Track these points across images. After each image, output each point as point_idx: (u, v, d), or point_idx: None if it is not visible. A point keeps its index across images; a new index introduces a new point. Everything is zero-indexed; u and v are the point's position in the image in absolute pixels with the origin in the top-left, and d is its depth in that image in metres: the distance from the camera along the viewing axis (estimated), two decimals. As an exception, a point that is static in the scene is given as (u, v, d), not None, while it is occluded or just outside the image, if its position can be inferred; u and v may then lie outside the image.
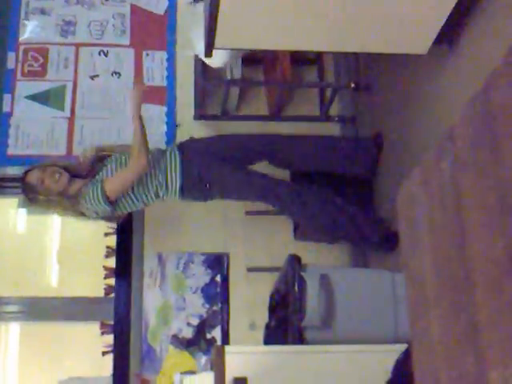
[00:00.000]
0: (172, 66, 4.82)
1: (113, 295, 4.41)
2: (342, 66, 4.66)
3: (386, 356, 2.27)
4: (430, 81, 3.48)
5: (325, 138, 4.26)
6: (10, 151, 4.54)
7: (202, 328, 4.31)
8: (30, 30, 4.85)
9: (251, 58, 4.58)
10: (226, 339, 4.30)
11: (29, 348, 5.74)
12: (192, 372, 3.73)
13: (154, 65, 4.82)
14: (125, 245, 4.46)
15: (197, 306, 4.35)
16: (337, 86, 4.58)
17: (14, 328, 5.58)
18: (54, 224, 5.87)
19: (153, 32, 4.92)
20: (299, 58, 4.73)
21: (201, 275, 4.41)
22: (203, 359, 4.22)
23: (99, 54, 4.84)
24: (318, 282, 3.13)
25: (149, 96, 4.67)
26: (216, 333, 4.30)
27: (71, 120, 4.64)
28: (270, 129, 4.48)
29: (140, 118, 3.70)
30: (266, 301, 3.39)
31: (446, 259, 1.06)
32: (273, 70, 4.55)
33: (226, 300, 4.38)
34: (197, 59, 4.36)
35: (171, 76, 4.80)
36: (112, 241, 4.50)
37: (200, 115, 4.66)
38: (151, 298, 4.37)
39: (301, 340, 3.07)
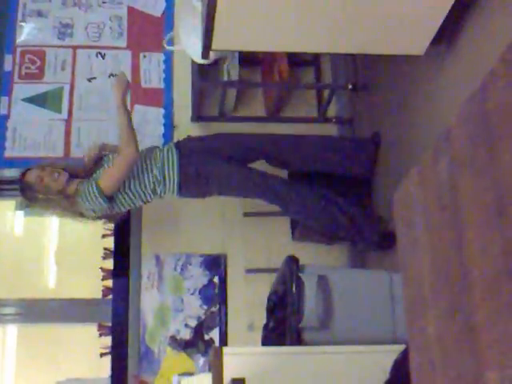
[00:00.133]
0: (169, 67, 4.82)
1: (110, 297, 4.40)
2: (339, 67, 4.67)
3: (384, 357, 2.27)
4: (428, 81, 3.48)
5: (323, 139, 4.26)
6: (8, 153, 4.54)
7: (199, 329, 4.31)
8: (27, 32, 4.85)
9: (249, 59, 4.58)
10: (223, 340, 4.30)
11: (27, 350, 5.73)
12: (190, 373, 3.74)
13: (151, 67, 4.82)
14: (122, 246, 4.46)
15: (195, 308, 4.35)
16: (334, 87, 4.58)
17: (12, 330, 5.57)
18: (52, 226, 5.87)
19: (150, 34, 4.92)
20: (297, 59, 4.74)
21: (199, 276, 4.41)
22: (201, 360, 4.21)
23: (96, 56, 4.84)
24: (315, 282, 3.13)
25: (146, 98, 4.69)
26: (214, 334, 4.30)
27: (68, 122, 4.64)
28: (268, 130, 4.48)
29: (125, 106, 3.68)
30: (264, 302, 3.39)
31: (443, 259, 1.06)
32: (270, 72, 4.56)
33: (223, 301, 4.38)
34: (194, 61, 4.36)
35: (168, 78, 4.80)
36: (109, 242, 4.50)
37: (197, 117, 4.66)
38: (149, 300, 4.37)
39: (299, 341, 3.07)
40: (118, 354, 4.30)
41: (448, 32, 3.11)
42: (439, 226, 1.08)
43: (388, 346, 2.79)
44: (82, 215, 3.75)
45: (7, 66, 4.74)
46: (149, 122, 4.59)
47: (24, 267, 5.85)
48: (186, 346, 4.28)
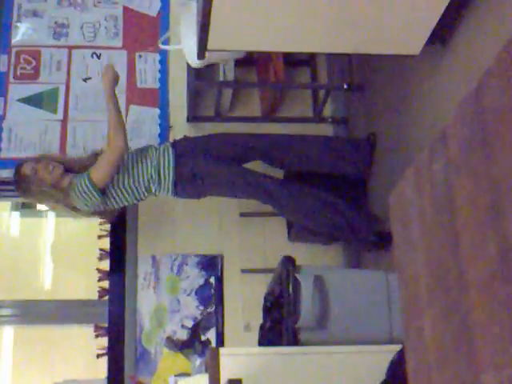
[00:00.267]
0: (165, 67, 4.82)
1: (107, 298, 4.40)
2: (334, 67, 4.67)
3: (381, 357, 2.27)
4: (423, 81, 3.48)
5: (319, 139, 4.26)
6: (3, 154, 4.53)
7: (196, 330, 4.31)
8: (22, 32, 4.84)
9: (244, 60, 4.58)
10: (220, 341, 4.30)
11: (23, 351, 5.73)
12: (186, 374, 3.73)
13: (147, 66, 4.82)
14: (118, 247, 4.46)
15: (191, 308, 4.35)
16: (330, 87, 4.58)
17: (8, 331, 5.57)
18: (48, 227, 5.87)
19: (145, 34, 4.91)
20: (292, 59, 4.74)
21: (195, 277, 4.41)
22: (198, 361, 4.21)
23: (92, 56, 4.83)
24: (312, 283, 3.13)
25: (141, 98, 4.69)
26: (210, 334, 4.30)
27: (64, 123, 4.64)
28: (263, 130, 4.48)
29: (114, 98, 3.69)
30: (261, 302, 3.39)
31: (438, 260, 1.06)
32: (266, 71, 4.56)
33: (220, 302, 4.38)
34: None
35: (164, 78, 4.80)
36: (105, 243, 4.49)
37: (193, 117, 4.66)
38: (145, 301, 4.36)
39: (295, 341, 3.07)
40: (115, 355, 4.30)
41: (443, 32, 3.11)
42: (435, 227, 1.08)
43: (384, 346, 2.79)
44: (75, 209, 3.75)
45: (2, 67, 4.73)
46: (144, 123, 4.58)
47: (20, 268, 5.85)
48: (182, 346, 4.28)
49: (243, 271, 4.43)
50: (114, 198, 3.76)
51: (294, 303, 3.07)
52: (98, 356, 4.31)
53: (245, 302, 4.34)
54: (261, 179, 3.89)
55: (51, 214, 5.81)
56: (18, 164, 3.82)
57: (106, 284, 4.42)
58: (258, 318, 3.42)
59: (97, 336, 4.38)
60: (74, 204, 3.71)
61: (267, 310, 3.32)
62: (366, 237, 3.89)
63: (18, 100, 4.66)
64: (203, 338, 4.30)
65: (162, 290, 4.38)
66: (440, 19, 3.00)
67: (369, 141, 4.13)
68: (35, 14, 4.89)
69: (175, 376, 3.52)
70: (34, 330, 5.46)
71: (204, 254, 4.45)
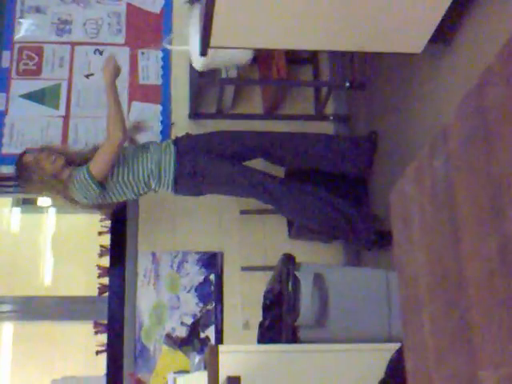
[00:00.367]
0: (167, 64, 4.82)
1: (107, 294, 4.40)
2: (337, 65, 4.66)
3: (380, 355, 2.27)
4: (425, 79, 3.48)
5: (321, 136, 4.25)
6: (5, 150, 4.53)
7: (195, 327, 4.31)
8: (25, 28, 4.84)
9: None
10: (219, 338, 4.29)
11: (22, 348, 5.73)
12: (185, 371, 3.73)
13: (150, 63, 4.82)
14: (119, 244, 4.46)
15: (191, 305, 4.35)
16: (332, 85, 4.58)
17: (8, 327, 5.57)
18: (48, 223, 5.87)
19: (148, 30, 4.92)
20: (294, 57, 4.74)
21: (195, 274, 4.41)
22: (197, 358, 4.20)
23: (94, 52, 4.83)
24: (311, 280, 3.12)
25: (144, 94, 4.69)
26: (210, 332, 4.30)
27: (66, 119, 4.64)
28: (265, 127, 4.47)
29: (115, 90, 3.69)
30: (260, 300, 3.39)
31: (438, 257, 1.06)
32: (268, 69, 4.55)
33: (219, 299, 4.38)
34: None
35: (166, 74, 4.80)
36: (106, 240, 4.49)
37: (195, 114, 4.66)
38: (145, 297, 4.36)
39: (294, 339, 3.07)
40: (114, 352, 4.29)
41: (446, 30, 3.11)
42: (435, 224, 1.08)
43: (383, 344, 2.79)
44: (74, 201, 3.76)
45: (5, 63, 4.73)
46: (146, 119, 4.58)
47: (20, 264, 5.85)
48: (181, 343, 4.28)
49: (243, 269, 4.43)
50: (113, 192, 3.76)
51: (294, 301, 3.07)
52: (98, 353, 4.31)
53: (244, 300, 4.34)
54: (261, 178, 3.89)
55: (52, 211, 5.82)
56: (21, 153, 3.84)
57: (105, 280, 4.42)
58: (257, 316, 3.42)
59: (96, 333, 4.38)
60: (73, 196, 3.72)
61: (267, 308, 3.32)
62: (366, 236, 3.88)
63: (21, 96, 4.66)
64: (202, 335, 4.30)
65: (162, 287, 4.38)
66: (442, 18, 3.00)
67: (370, 139, 4.13)
68: (38, 10, 4.89)
69: (174, 373, 3.52)
70: (33, 327, 5.46)
71: (204, 252, 4.45)
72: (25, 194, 5.20)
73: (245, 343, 3.87)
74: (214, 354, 2.64)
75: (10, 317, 4.84)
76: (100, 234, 4.51)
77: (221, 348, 2.68)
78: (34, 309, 4.65)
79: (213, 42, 3.13)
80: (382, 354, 2.23)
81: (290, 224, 4.39)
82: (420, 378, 1.14)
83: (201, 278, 4.40)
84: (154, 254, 4.43)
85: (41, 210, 5.77)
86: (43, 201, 5.46)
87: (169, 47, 4.28)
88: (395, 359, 2.12)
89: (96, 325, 4.39)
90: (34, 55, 4.77)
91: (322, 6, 2.98)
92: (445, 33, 3.12)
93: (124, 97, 4.58)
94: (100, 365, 4.35)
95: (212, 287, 4.39)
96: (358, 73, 4.07)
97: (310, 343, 3.03)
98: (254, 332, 3.41)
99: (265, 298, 3.36)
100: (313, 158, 4.09)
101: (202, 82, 4.50)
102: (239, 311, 4.34)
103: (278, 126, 4.57)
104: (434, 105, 3.37)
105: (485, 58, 2.75)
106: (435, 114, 3.33)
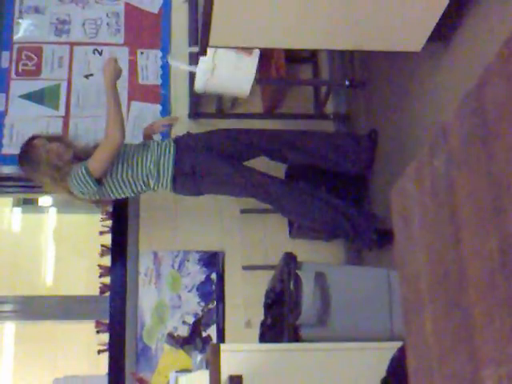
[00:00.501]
0: (166, 64, 4.81)
1: (108, 294, 4.40)
2: (336, 64, 4.66)
3: (382, 354, 2.27)
4: (425, 78, 3.48)
5: (321, 134, 4.25)
6: (5, 150, 4.54)
7: (197, 326, 4.31)
8: (24, 28, 4.84)
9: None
10: (221, 337, 4.30)
11: (24, 347, 5.74)
12: (187, 370, 3.73)
13: (149, 63, 4.82)
14: (120, 243, 4.46)
15: (192, 305, 4.35)
16: (331, 84, 4.58)
17: (9, 327, 5.58)
18: (49, 223, 5.87)
19: (147, 30, 4.92)
20: (294, 56, 4.74)
21: (196, 273, 4.41)
22: (198, 357, 4.20)
23: (93, 52, 4.83)
24: (313, 279, 3.13)
25: (143, 94, 4.69)
26: (211, 331, 4.30)
27: (66, 119, 4.64)
28: (265, 127, 4.47)
29: (115, 91, 3.70)
30: (262, 299, 3.39)
31: (439, 256, 1.06)
32: (268, 68, 4.55)
33: (221, 298, 4.38)
34: (192, 57, 4.35)
35: (166, 74, 4.80)
36: (107, 239, 4.49)
37: (195, 113, 4.66)
38: (146, 297, 4.36)
39: (296, 338, 3.07)
40: (116, 351, 4.30)
41: (445, 29, 3.11)
42: (435, 223, 1.08)
43: (385, 343, 2.79)
44: (71, 194, 3.76)
45: (4, 63, 4.73)
46: (146, 119, 4.58)
47: (21, 264, 5.85)
48: (183, 343, 4.28)
49: (244, 268, 4.43)
50: (111, 189, 3.77)
51: (295, 300, 3.08)
52: (99, 352, 4.32)
53: (246, 299, 4.34)
54: (261, 179, 3.88)
55: (52, 210, 5.82)
56: (33, 136, 3.85)
57: (107, 280, 4.42)
58: (258, 315, 3.42)
59: (98, 332, 4.38)
60: (70, 190, 3.73)
61: (268, 307, 3.32)
62: (366, 235, 3.88)
63: (20, 96, 4.66)
64: (204, 334, 4.30)
65: (163, 287, 4.38)
66: (442, 16, 3.00)
67: (370, 138, 4.13)
68: (37, 10, 4.89)
69: (176, 372, 3.52)
70: (35, 326, 5.46)
71: (205, 251, 4.45)
72: (26, 194, 5.21)
73: (246, 342, 3.87)
74: (216, 352, 2.64)
75: (12, 316, 4.85)
76: (101, 233, 4.51)
77: (222, 347, 2.68)
78: (35, 308, 4.65)
79: (212, 41, 3.13)
80: (384, 352, 2.23)
81: (290, 223, 4.39)
82: (422, 376, 1.14)
83: (202, 277, 4.40)
84: (155, 254, 4.43)
85: (42, 209, 5.77)
86: (44, 201, 5.47)
87: (171, 63, 4.25)
88: (397, 358, 2.12)
89: (98, 324, 4.39)
90: (33, 55, 4.77)
91: (321, 4, 2.98)
92: (444, 31, 3.12)
93: (123, 97, 4.58)
94: (102, 364, 4.35)
95: (213, 286, 4.39)
96: (358, 71, 4.07)
97: (311, 342, 3.03)
98: (256, 331, 3.42)
99: (266, 296, 3.36)
100: (313, 154, 4.08)
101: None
102: (241, 310, 4.34)
103: (277, 125, 4.57)
104: (434, 103, 3.37)
105: (484, 56, 2.76)
106: (435, 113, 3.33)
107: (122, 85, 4.52)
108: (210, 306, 4.35)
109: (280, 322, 3.16)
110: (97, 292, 4.46)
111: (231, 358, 2.64)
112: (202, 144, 3.94)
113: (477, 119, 0.94)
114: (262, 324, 3.36)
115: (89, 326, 4.51)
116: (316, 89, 4.79)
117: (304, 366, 2.73)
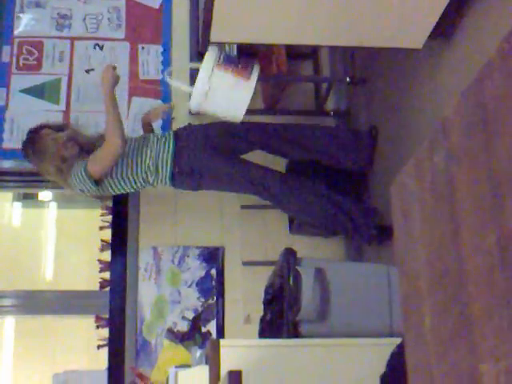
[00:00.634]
0: (167, 59, 4.81)
1: (108, 289, 4.40)
2: (337, 61, 4.66)
3: (381, 349, 2.27)
4: (425, 75, 3.48)
5: (321, 128, 4.24)
6: (5, 145, 4.54)
7: (197, 322, 4.32)
8: (24, 23, 4.84)
9: (246, 52, 4.57)
10: (221, 333, 4.30)
11: (24, 342, 5.74)
12: (187, 365, 3.73)
13: (150, 58, 4.81)
14: (120, 238, 4.46)
15: (192, 300, 4.35)
16: (332, 80, 4.57)
17: (9, 322, 5.58)
18: (49, 218, 5.87)
19: (148, 25, 4.91)
20: (295, 52, 4.73)
21: (196, 269, 4.41)
22: (198, 353, 4.20)
23: (94, 47, 4.83)
24: (313, 275, 3.13)
25: (144, 89, 4.69)
26: (211, 326, 4.31)
27: (66, 113, 4.64)
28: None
29: (113, 97, 3.69)
30: (261, 294, 3.39)
31: (439, 252, 1.06)
32: (268, 64, 4.55)
33: (221, 294, 4.38)
34: (192, 53, 4.34)
35: (166, 69, 4.79)
36: (107, 234, 4.50)
37: (195, 109, 4.65)
38: (146, 292, 4.37)
39: (296, 333, 3.07)
40: (115, 346, 4.30)
41: (446, 25, 3.10)
42: (435, 218, 1.08)
43: (385, 338, 2.79)
44: (70, 186, 3.77)
45: (5, 57, 4.73)
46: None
47: (21, 259, 5.85)
48: (183, 338, 4.28)
49: (244, 263, 4.43)
50: (111, 187, 3.77)
51: (295, 296, 3.08)
52: (99, 347, 4.32)
53: (245, 294, 4.34)
54: (261, 176, 3.87)
55: (53, 205, 5.82)
56: (44, 124, 3.85)
57: (107, 275, 4.42)
58: (258, 310, 3.42)
59: (98, 327, 4.38)
60: (69, 184, 3.74)
61: (268, 302, 3.32)
62: (366, 231, 3.88)
63: (21, 91, 4.66)
64: (204, 329, 4.30)
65: (163, 282, 4.38)
66: (443, 13, 3.00)
67: (370, 134, 4.13)
68: (38, 4, 4.88)
69: (176, 367, 3.52)
70: (35, 321, 5.46)
71: (205, 246, 4.45)
72: (26, 188, 5.21)
73: (246, 338, 3.87)
74: (216, 348, 2.65)
75: (12, 311, 4.85)
76: (101, 228, 4.51)
77: (222, 342, 2.68)
78: (35, 303, 4.65)
79: (213, 36, 3.13)
80: (383, 348, 2.23)
81: (290, 219, 4.39)
82: (421, 372, 1.14)
83: (202, 273, 4.41)
84: (155, 249, 4.43)
85: (42, 204, 5.77)
86: (44, 195, 5.47)
87: (168, 80, 4.21)
88: (396, 354, 2.12)
89: (97, 319, 4.40)
90: (33, 50, 4.77)
91: (322, 1, 2.98)
92: (444, 28, 3.12)
93: (124, 92, 4.58)
94: (102, 359, 4.36)
95: (213, 282, 4.39)
96: (359, 68, 4.07)
97: (311, 338, 3.03)
98: (256, 326, 3.42)
99: (266, 292, 3.36)
100: (313, 148, 4.07)
101: (202, 76, 4.49)
102: (240, 306, 4.35)
103: (277, 121, 4.56)
104: (434, 100, 3.37)
105: (485, 53, 2.75)
106: (435, 109, 3.33)
107: (123, 80, 4.52)
108: (210, 301, 4.36)
109: (279, 317, 3.16)
110: (97, 287, 4.46)
111: (231, 354, 2.65)
112: (200, 140, 3.91)
113: (476, 114, 0.94)
114: (262, 320, 3.36)
115: (89, 321, 4.52)
116: (317, 85, 4.79)
117: (303, 362, 2.73)
